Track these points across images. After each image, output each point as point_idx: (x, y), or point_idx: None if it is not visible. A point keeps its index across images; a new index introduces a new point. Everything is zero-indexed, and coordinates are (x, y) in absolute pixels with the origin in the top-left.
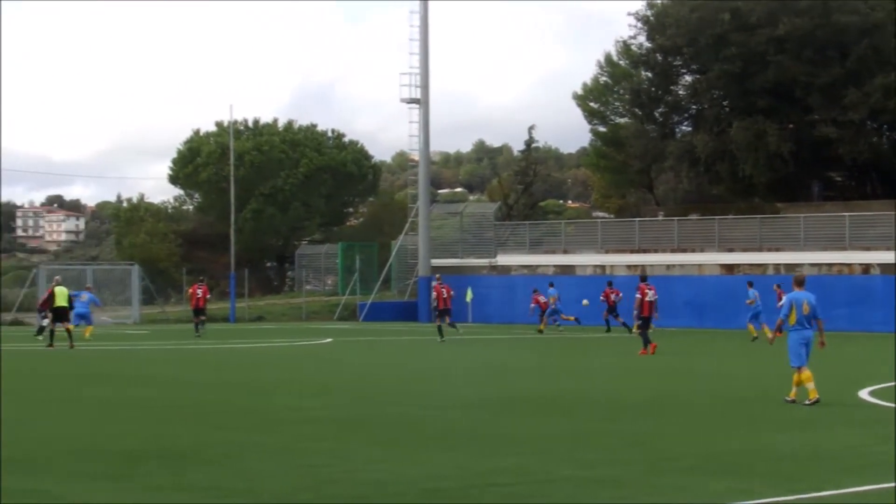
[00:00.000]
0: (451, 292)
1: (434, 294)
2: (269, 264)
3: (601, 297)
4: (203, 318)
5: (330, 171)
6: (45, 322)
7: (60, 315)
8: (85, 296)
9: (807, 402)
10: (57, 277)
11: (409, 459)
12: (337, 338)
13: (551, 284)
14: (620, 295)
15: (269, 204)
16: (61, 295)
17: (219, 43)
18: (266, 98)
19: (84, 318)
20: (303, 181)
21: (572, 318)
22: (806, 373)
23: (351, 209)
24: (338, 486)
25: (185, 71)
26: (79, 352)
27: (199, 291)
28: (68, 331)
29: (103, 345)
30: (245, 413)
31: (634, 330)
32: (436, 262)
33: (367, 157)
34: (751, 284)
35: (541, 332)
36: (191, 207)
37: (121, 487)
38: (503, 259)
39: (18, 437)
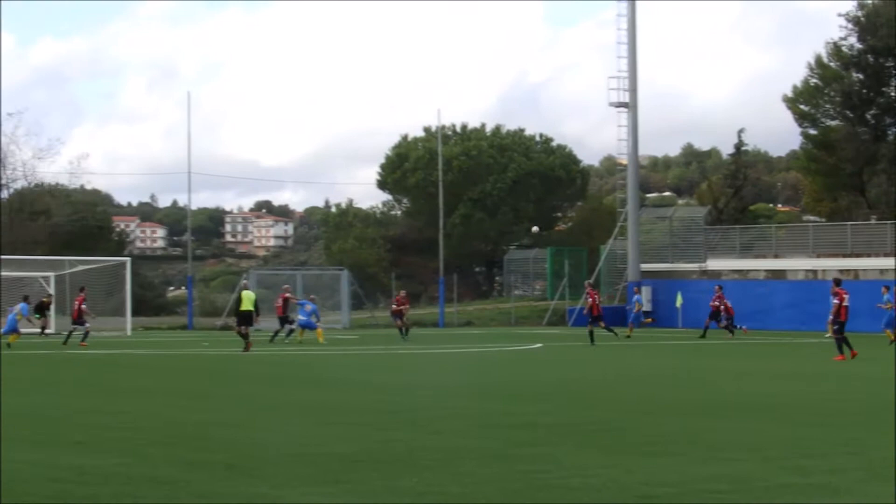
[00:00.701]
0: (599, 298)
1: (589, 300)
2: (477, 269)
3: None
4: (399, 324)
5: (538, 176)
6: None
7: (244, 319)
8: (309, 306)
9: None
10: (245, 281)
11: (624, 465)
12: (547, 343)
13: (637, 290)
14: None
15: (478, 209)
16: (247, 299)
17: (426, 47)
18: (474, 103)
19: (308, 326)
20: (511, 186)
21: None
22: None
23: (559, 214)
24: (552, 491)
25: (393, 76)
26: (292, 355)
27: (395, 302)
28: (244, 335)
29: (315, 349)
30: (459, 417)
31: (829, 334)
32: (645, 266)
33: (576, 161)
34: (887, 289)
35: (732, 335)
36: (399, 212)
37: (335, 492)
38: (713, 263)
39: (236, 441)
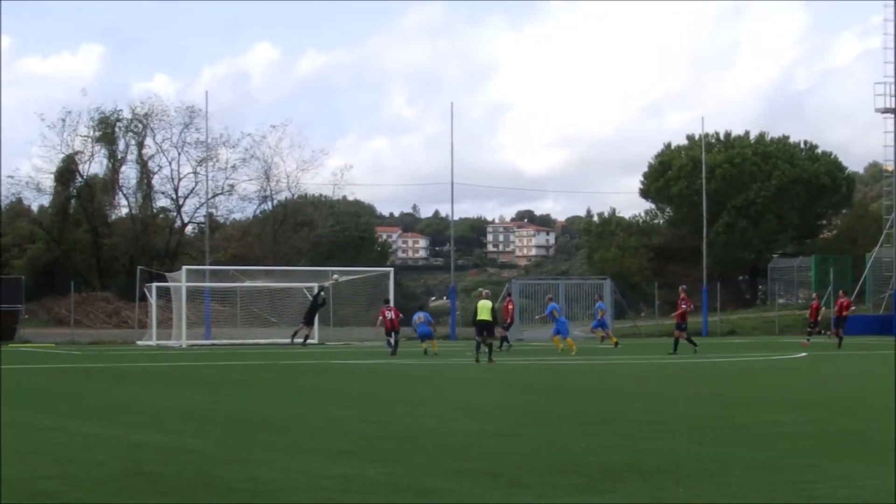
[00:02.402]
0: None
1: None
2: (741, 278)
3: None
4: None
5: (803, 184)
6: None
7: (480, 328)
8: (602, 311)
9: None
10: (486, 291)
11: (892, 475)
12: (811, 352)
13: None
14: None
15: (742, 217)
16: (482, 309)
17: (691, 54)
18: (738, 110)
19: (603, 325)
20: (775, 194)
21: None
22: None
23: (824, 221)
24: (820, 502)
25: (656, 84)
26: (556, 365)
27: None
28: (484, 345)
29: (577, 359)
30: (724, 427)
31: None
32: None
33: (841, 168)
34: None
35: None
36: (662, 221)
37: (601, 501)
38: None
39: (502, 450)
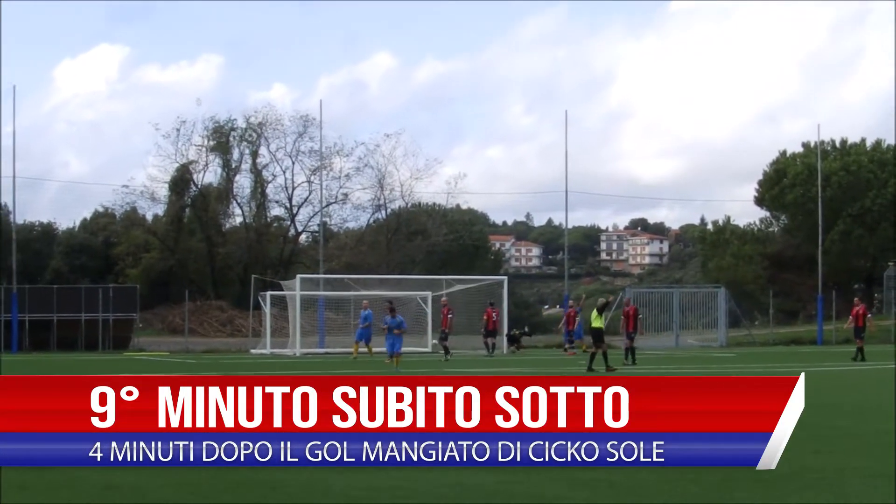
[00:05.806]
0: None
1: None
2: (856, 286)
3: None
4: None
5: None
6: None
7: (596, 337)
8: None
9: None
10: (601, 299)
11: None
12: None
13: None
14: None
15: (857, 225)
16: (595, 318)
17: (809, 62)
18: (855, 117)
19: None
20: (891, 202)
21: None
22: None
23: None
24: None
25: (774, 91)
26: (663, 375)
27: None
28: (603, 353)
29: (688, 367)
30: (841, 437)
31: None
32: None
33: None
34: None
35: None
36: (776, 229)
37: None
38: None
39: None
